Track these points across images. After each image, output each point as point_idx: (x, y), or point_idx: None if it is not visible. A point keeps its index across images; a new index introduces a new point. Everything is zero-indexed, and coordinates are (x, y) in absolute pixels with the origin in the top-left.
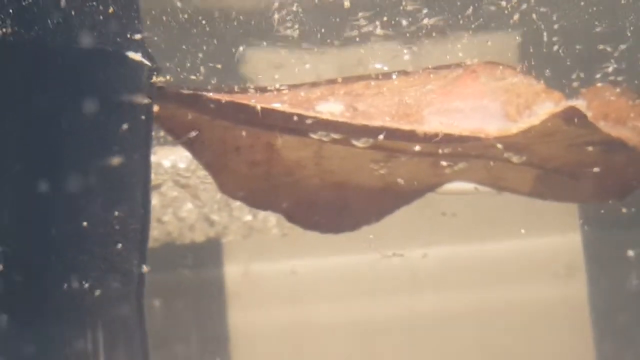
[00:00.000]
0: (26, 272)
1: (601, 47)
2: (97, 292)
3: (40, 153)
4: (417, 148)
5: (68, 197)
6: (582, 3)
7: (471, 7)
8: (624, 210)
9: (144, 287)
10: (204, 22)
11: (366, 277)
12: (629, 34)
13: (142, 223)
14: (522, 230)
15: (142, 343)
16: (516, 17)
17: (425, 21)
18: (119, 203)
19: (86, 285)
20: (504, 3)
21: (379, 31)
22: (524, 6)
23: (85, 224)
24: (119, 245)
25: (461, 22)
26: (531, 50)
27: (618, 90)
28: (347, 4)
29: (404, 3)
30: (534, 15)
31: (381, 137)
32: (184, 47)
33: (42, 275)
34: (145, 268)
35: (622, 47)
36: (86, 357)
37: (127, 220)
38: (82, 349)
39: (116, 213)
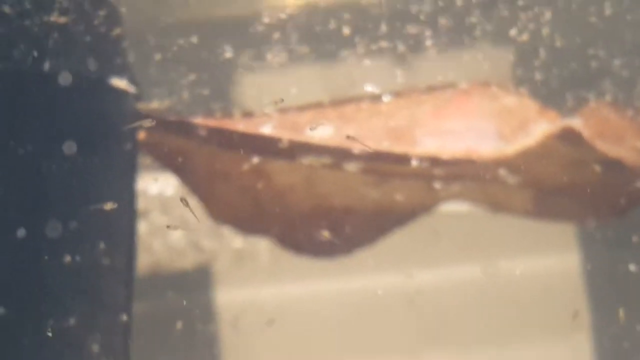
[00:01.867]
0: (12, 308)
1: (597, 64)
2: (84, 327)
3: (24, 184)
4: (411, 170)
5: (52, 230)
6: (579, 20)
7: (463, 24)
8: (622, 229)
9: (131, 320)
10: (190, 44)
11: (361, 301)
12: (626, 52)
13: (129, 255)
14: (519, 251)
15: None
16: (510, 34)
17: (421, 40)
18: (104, 235)
19: (72, 321)
20: (497, 20)
21: (369, 49)
22: (518, 23)
23: (69, 258)
24: (105, 280)
25: (453, 39)
26: (525, 68)
27: (614, 108)
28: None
29: (397, 23)
30: (527, 34)
31: (373, 161)
32: (169, 72)
33: (28, 311)
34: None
35: (619, 64)
36: None
37: (113, 252)
38: None
39: (102, 246)
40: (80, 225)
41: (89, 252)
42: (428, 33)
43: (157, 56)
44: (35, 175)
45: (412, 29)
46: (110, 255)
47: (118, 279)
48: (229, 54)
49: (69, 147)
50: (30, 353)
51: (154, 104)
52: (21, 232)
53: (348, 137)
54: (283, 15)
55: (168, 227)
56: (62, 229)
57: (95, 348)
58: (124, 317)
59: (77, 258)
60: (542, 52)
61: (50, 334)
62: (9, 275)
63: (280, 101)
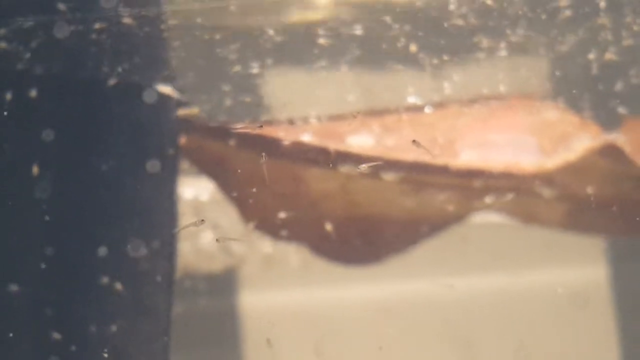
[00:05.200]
0: (56, 313)
1: (638, 81)
2: (126, 334)
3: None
4: (449, 181)
5: (97, 236)
6: (621, 36)
7: (505, 36)
8: None
9: (171, 326)
10: (232, 50)
11: (389, 309)
12: None
13: (169, 260)
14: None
15: None
16: (549, 47)
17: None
18: (147, 241)
19: (114, 328)
20: (538, 32)
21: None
22: (560, 36)
23: (112, 265)
24: (148, 285)
25: (493, 51)
26: (567, 81)
27: None
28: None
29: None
30: (567, 45)
31: (412, 171)
32: (211, 78)
33: (71, 316)
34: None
35: None
36: None
37: (154, 257)
38: None
39: (144, 252)
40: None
41: (132, 256)
42: (468, 45)
43: (201, 62)
44: (85, 160)
45: (452, 41)
46: (151, 261)
47: (159, 285)
48: (271, 62)
49: (118, 141)
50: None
51: (195, 110)
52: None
53: (414, 141)
54: (326, 25)
55: (198, 223)
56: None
57: (136, 354)
58: (165, 323)
59: (119, 263)
60: (583, 67)
61: (105, 355)
62: (52, 277)
63: (357, 114)
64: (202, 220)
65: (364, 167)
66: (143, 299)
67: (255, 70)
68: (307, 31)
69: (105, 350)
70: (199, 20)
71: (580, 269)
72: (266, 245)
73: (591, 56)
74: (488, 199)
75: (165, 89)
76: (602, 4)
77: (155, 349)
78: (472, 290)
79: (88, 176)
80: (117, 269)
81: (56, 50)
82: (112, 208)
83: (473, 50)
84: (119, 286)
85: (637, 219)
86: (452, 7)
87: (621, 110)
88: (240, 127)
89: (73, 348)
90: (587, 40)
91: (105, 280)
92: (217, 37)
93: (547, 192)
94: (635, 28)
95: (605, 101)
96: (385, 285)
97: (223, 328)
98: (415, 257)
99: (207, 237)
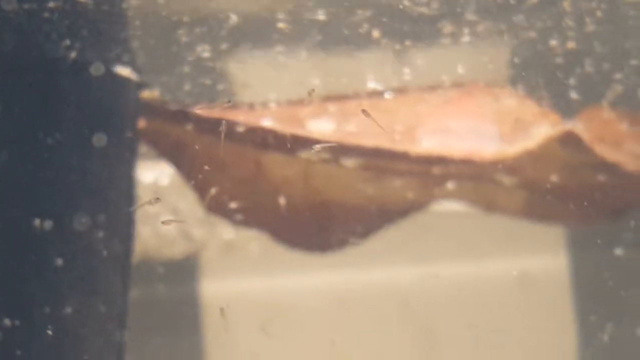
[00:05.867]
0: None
1: (600, 67)
2: (81, 315)
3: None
4: (409, 168)
5: (51, 216)
6: (579, 26)
7: (466, 24)
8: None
9: (127, 309)
10: (193, 34)
11: (348, 295)
12: (631, 56)
13: (126, 244)
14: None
15: None
16: (513, 33)
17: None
18: (103, 223)
19: (69, 310)
20: (503, 19)
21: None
22: (523, 23)
23: (67, 247)
24: (102, 269)
25: (456, 38)
26: (526, 69)
27: (613, 113)
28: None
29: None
30: (531, 33)
31: (372, 157)
32: (172, 61)
33: (21, 295)
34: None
35: (619, 70)
36: None
37: (111, 242)
38: None
39: (100, 234)
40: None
41: (87, 238)
42: (431, 31)
43: (161, 44)
44: (39, 143)
45: (415, 27)
46: (108, 245)
47: (115, 268)
48: (231, 45)
49: (99, 140)
50: (26, 341)
51: (156, 93)
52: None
53: (363, 111)
54: (287, 9)
55: (163, 222)
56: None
57: (91, 336)
58: (120, 306)
59: (74, 247)
60: (543, 55)
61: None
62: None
63: (312, 92)
64: (157, 198)
65: (317, 147)
66: (97, 280)
67: (215, 53)
68: (269, 16)
69: (50, 328)
70: (160, 0)
71: (539, 257)
72: (227, 231)
73: (553, 43)
74: (449, 187)
75: (123, 70)
76: None
77: (109, 331)
78: (433, 277)
79: (36, 151)
80: (68, 248)
81: (7, 28)
82: (60, 184)
83: (436, 36)
84: (71, 266)
85: (595, 207)
86: None
87: (580, 98)
88: (199, 110)
89: (20, 326)
90: (550, 27)
91: (57, 260)
92: (178, 19)
93: (507, 180)
94: (598, 14)
95: (564, 89)
96: (345, 272)
97: (181, 313)
98: (376, 244)
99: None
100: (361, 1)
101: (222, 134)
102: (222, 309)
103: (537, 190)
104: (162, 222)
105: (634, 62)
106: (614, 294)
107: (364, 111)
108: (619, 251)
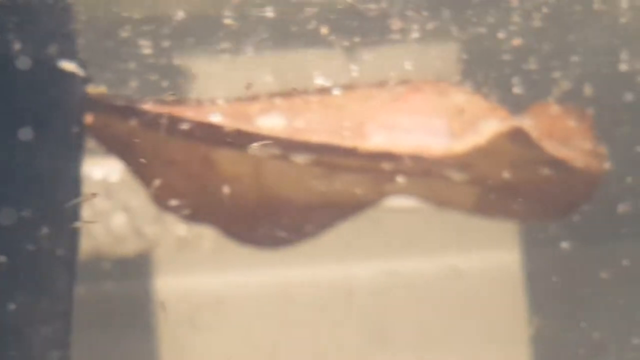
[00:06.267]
0: None
1: (546, 63)
2: (25, 314)
3: None
4: (358, 164)
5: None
6: (526, 22)
7: (415, 20)
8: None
9: (72, 307)
10: (141, 30)
11: (300, 292)
12: (577, 52)
13: (72, 241)
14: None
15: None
16: (462, 30)
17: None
18: (47, 219)
19: (12, 307)
20: (451, 15)
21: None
22: (473, 19)
23: (10, 243)
24: (47, 265)
25: (404, 34)
26: (475, 65)
27: (561, 109)
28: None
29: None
30: (480, 29)
31: (322, 153)
32: (119, 57)
33: None
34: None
35: (568, 65)
36: None
37: (56, 237)
38: None
39: (45, 230)
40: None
41: (32, 235)
42: (380, 28)
43: (108, 41)
44: None
45: (364, 24)
46: (53, 241)
47: (60, 265)
48: (178, 42)
49: (25, 133)
50: None
51: (103, 88)
52: None
53: (294, 89)
54: (234, 6)
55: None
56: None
57: (35, 334)
58: (65, 304)
59: (18, 243)
60: (491, 51)
61: None
62: None
63: (249, 86)
64: (94, 194)
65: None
66: (42, 278)
67: (161, 49)
68: (215, 13)
69: None
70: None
71: (491, 252)
72: (179, 227)
73: (500, 39)
74: (400, 183)
75: (69, 65)
76: None
77: (54, 330)
78: (384, 274)
79: None
80: (11, 244)
81: None
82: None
83: (385, 33)
84: (14, 263)
85: (544, 202)
86: None
87: (527, 94)
88: (147, 106)
89: None
90: (498, 24)
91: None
92: (125, 15)
93: (457, 176)
94: (544, 10)
95: (512, 86)
96: (296, 268)
97: (132, 310)
98: (327, 240)
99: (119, 220)
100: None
101: (165, 128)
102: (162, 303)
103: (487, 186)
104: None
105: (576, 58)
106: (561, 288)
107: (294, 89)
108: (565, 245)
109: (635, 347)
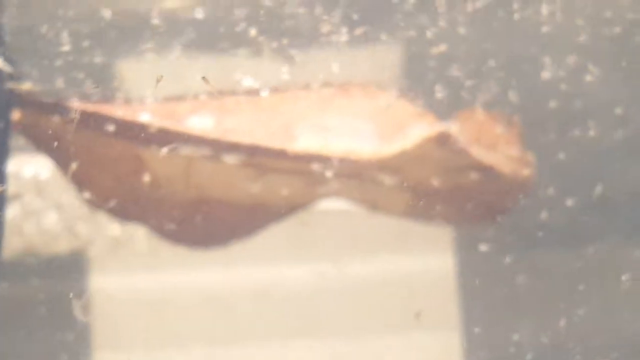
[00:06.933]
0: None
1: (472, 69)
2: None
3: None
4: (289, 166)
5: None
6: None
7: (345, 24)
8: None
9: None
10: (70, 27)
11: (232, 294)
12: (507, 56)
13: None
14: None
15: None
16: (390, 34)
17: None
18: None
19: None
20: (380, 19)
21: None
22: (400, 23)
23: None
24: None
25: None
26: (403, 69)
27: (488, 115)
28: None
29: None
30: (409, 33)
31: (252, 154)
32: (47, 54)
33: None
34: None
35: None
36: None
37: None
38: None
39: None
40: None
41: None
42: (309, 30)
43: (34, 36)
44: None
45: (293, 26)
46: None
47: None
48: (108, 40)
49: None
50: None
51: (30, 85)
52: None
53: (203, 78)
54: (163, 7)
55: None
56: None
57: None
58: None
59: None
60: (418, 56)
61: None
62: None
63: (160, 78)
64: (3, 188)
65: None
66: None
67: (88, 48)
68: (143, 13)
69: None
70: None
71: (426, 257)
72: (113, 227)
73: (428, 44)
74: (332, 185)
75: None
76: None
77: None
78: (318, 276)
79: None
80: None
81: None
82: None
83: (314, 36)
84: None
85: (476, 208)
86: None
87: (454, 100)
88: (76, 104)
89: None
90: (425, 29)
91: None
92: (54, 11)
93: (388, 180)
94: (470, 13)
95: (439, 91)
96: (228, 269)
97: (62, 310)
98: (260, 242)
99: (51, 218)
100: (240, 0)
101: (94, 127)
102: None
103: (417, 191)
104: None
105: (498, 62)
106: (489, 292)
107: (203, 78)
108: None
109: (545, 345)
